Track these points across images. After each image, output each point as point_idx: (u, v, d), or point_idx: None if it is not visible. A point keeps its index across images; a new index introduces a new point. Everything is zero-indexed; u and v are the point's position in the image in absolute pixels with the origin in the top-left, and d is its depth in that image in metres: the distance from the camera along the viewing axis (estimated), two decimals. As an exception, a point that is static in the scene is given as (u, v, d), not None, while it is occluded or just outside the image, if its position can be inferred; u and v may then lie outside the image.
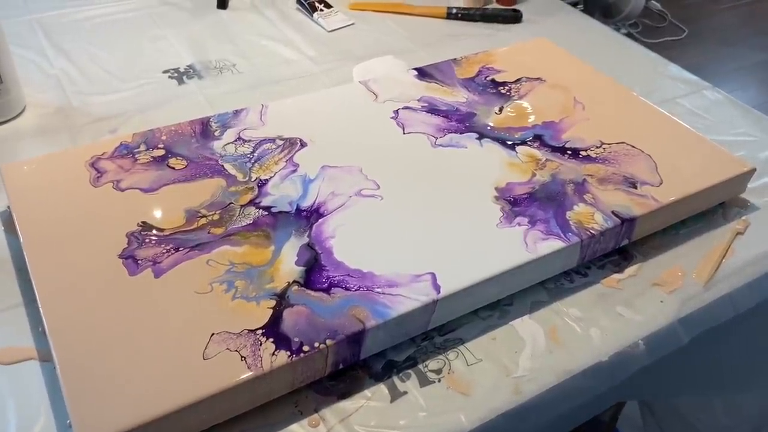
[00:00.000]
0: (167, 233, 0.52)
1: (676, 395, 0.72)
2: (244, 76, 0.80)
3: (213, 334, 0.45)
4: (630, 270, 0.58)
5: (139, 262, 0.50)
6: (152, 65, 0.81)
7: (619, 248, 0.59)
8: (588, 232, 0.55)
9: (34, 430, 0.44)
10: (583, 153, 0.64)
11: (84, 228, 0.52)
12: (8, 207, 0.56)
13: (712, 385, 0.69)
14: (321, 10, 0.93)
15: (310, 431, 0.45)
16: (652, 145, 0.65)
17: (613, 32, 0.97)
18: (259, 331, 0.45)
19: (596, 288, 0.56)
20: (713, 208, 0.64)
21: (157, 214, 0.54)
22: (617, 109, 0.71)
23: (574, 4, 2.35)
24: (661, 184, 0.60)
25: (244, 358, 0.44)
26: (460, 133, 0.66)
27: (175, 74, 0.80)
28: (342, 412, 0.46)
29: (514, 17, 0.96)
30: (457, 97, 0.71)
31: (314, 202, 0.56)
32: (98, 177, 0.57)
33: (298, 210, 0.55)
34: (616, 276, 0.57)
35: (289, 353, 0.44)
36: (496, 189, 0.59)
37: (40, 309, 0.46)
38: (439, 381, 0.48)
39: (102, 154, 0.60)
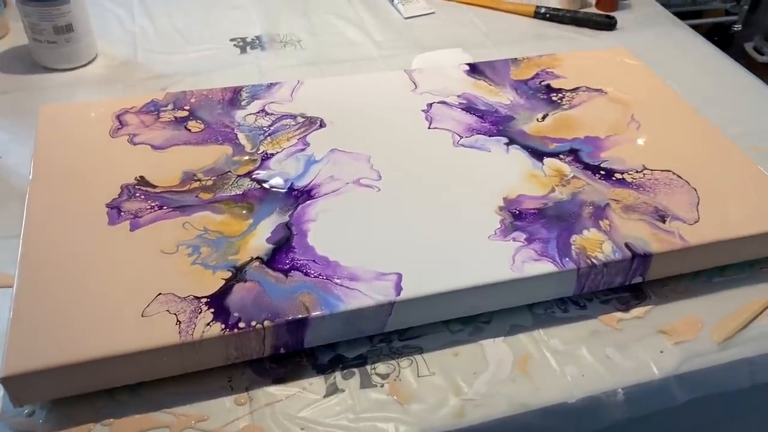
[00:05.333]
0: (158, 191, 0.54)
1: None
2: (305, 52, 0.81)
3: (159, 294, 0.45)
4: (637, 311, 0.52)
5: (122, 213, 0.51)
6: (223, 32, 0.84)
7: (632, 285, 0.53)
8: (588, 261, 0.50)
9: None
10: (618, 175, 0.58)
11: (88, 174, 0.55)
12: (38, 145, 0.60)
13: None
14: (404, -5, 0.92)
15: (234, 408, 0.44)
16: (705, 179, 0.58)
17: (722, 54, 0.86)
18: (204, 300, 0.45)
19: (591, 323, 0.51)
20: (763, 260, 0.56)
21: (157, 171, 0.55)
22: (678, 134, 0.63)
23: (731, 24, 2.17)
24: (696, 222, 0.53)
25: (180, 323, 0.44)
26: (489, 136, 0.62)
27: (241, 43, 0.82)
28: (272, 396, 0.45)
29: (608, 24, 0.89)
30: (501, 98, 0.67)
31: (309, 183, 0.55)
32: (118, 128, 0.60)
33: (291, 188, 0.55)
34: (617, 314, 0.52)
35: (223, 327, 0.44)
36: (504, 199, 0.55)
37: (21, 237, 0.49)
38: (382, 386, 0.46)
39: (131, 108, 0.62)
